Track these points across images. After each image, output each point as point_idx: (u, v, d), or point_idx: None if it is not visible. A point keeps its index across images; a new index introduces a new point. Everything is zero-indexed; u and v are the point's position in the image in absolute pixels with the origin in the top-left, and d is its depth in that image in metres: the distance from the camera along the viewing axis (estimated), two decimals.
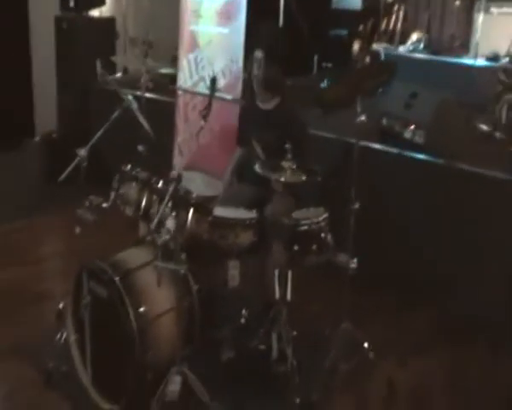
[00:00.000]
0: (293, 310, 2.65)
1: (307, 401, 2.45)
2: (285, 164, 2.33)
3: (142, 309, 2.21)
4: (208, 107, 2.39)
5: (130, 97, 2.59)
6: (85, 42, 5.35)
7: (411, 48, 5.80)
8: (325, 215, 2.62)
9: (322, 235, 2.60)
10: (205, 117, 2.34)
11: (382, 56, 5.54)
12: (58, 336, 2.63)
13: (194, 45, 4.16)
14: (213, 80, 2.62)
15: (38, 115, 6.12)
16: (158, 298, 2.28)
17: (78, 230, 2.51)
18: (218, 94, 2.73)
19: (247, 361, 2.65)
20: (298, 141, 2.63)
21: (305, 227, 2.58)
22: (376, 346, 2.72)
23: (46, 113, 6.00)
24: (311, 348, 2.72)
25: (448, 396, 2.64)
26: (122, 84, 4.05)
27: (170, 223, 2.13)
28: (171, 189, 2.07)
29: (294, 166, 2.34)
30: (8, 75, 6.03)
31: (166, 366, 2.29)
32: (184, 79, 4.29)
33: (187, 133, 4.34)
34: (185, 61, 4.25)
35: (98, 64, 5.12)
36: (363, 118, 2.37)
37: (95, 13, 5.62)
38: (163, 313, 2.27)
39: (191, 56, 4.18)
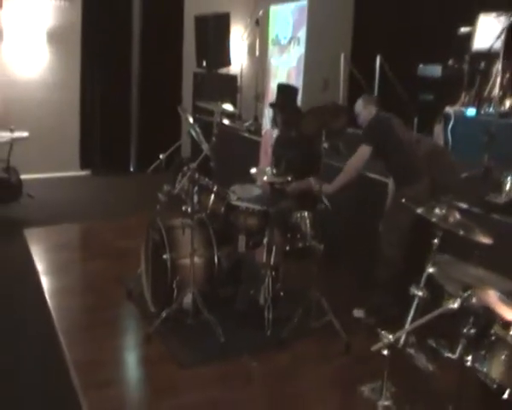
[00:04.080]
0: (279, 279, 3.95)
1: (276, 335, 3.66)
2: (269, 171, 3.71)
3: (173, 250, 3.73)
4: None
5: (194, 127, 4.13)
6: (213, 91, 7.16)
7: (482, 112, 6.43)
8: (307, 215, 3.89)
9: (304, 228, 3.88)
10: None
11: (452, 118, 6.33)
12: (138, 270, 4.26)
13: (272, 98, 5.68)
14: None
15: (183, 144, 8.08)
16: (186, 245, 3.74)
17: (158, 207, 4.13)
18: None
19: (245, 303, 3.97)
20: (313, 158, 3.98)
21: (295, 221, 3.90)
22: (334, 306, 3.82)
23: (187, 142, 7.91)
24: (292, 304, 3.81)
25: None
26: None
27: (195, 199, 3.64)
28: (187, 175, 3.58)
29: (274, 172, 3.71)
30: (167, 112, 8.14)
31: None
32: (266, 123, 5.84)
33: (266, 163, 5.84)
34: (267, 111, 5.80)
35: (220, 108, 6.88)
36: (326, 145, 3.63)
37: (223, 71, 7.46)
38: (189, 254, 3.70)
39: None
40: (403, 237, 3.88)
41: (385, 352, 1.75)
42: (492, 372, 1.91)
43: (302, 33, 5.04)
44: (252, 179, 4.50)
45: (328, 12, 6.32)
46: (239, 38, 7.88)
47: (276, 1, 6.25)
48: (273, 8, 5.61)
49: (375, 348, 1.76)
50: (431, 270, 2.17)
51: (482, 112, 6.20)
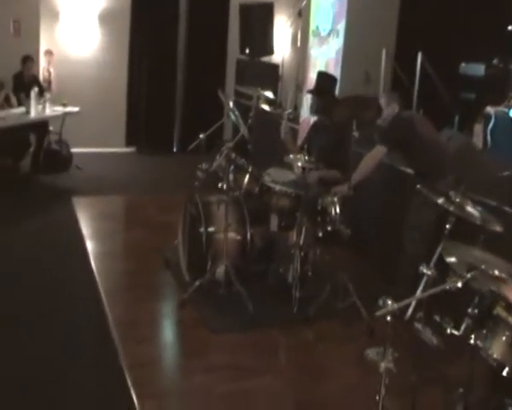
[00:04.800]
0: (309, 260, 4.17)
1: (303, 312, 3.88)
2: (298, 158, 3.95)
3: (209, 224, 4.00)
4: None
5: (233, 111, 4.38)
6: (255, 78, 7.35)
7: None
8: (337, 200, 4.09)
9: (334, 212, 4.10)
10: None
11: (492, 118, 6.31)
12: (175, 241, 4.55)
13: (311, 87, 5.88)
14: None
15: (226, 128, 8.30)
16: (221, 220, 4.00)
17: (196, 183, 4.42)
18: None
19: (275, 281, 4.23)
20: (343, 147, 4.19)
21: (325, 205, 4.11)
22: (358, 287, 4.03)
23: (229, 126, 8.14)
24: (319, 284, 4.03)
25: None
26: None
27: (230, 177, 3.91)
28: (223, 156, 3.84)
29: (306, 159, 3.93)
30: (210, 96, 8.38)
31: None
32: (304, 112, 6.05)
33: None
34: (305, 100, 6.01)
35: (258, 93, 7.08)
36: (356, 134, 3.83)
37: (265, 59, 7.68)
38: (223, 229, 3.97)
39: (308, 95, 5.91)
40: (426, 234, 3.96)
41: (388, 318, 1.97)
42: (493, 351, 2.10)
43: (341, 26, 5.21)
44: (287, 164, 4.73)
45: (370, 6, 6.43)
46: (282, 28, 8.07)
47: None
48: (315, 0, 5.79)
49: (379, 313, 1.98)
50: (441, 252, 2.36)
51: None
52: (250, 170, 4.14)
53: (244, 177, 4.14)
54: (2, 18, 7.32)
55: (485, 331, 2.11)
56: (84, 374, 3.28)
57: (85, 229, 5.23)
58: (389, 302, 1.93)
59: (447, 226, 2.50)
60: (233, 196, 4.10)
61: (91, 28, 7.99)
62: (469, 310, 2.16)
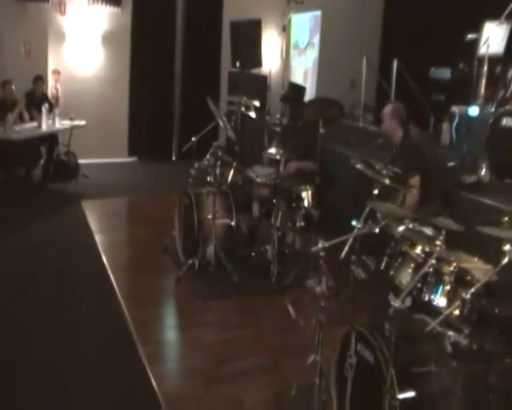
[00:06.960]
0: (286, 240, 4.87)
1: (280, 283, 4.59)
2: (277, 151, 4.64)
3: (200, 212, 4.70)
4: None
5: (222, 116, 5.07)
6: (245, 89, 8.08)
7: (486, 111, 6.99)
8: (309, 187, 4.80)
9: (306, 198, 4.81)
10: None
11: (457, 117, 6.98)
12: (172, 231, 5.23)
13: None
14: None
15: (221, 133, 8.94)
16: (210, 208, 4.69)
17: (190, 180, 5.12)
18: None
19: (258, 259, 4.92)
20: (310, 144, 4.89)
21: (298, 192, 4.82)
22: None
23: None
24: (294, 260, 4.78)
25: None
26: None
27: (217, 171, 4.60)
28: (210, 153, 4.54)
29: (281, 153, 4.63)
30: (205, 107, 9.12)
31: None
32: None
33: None
34: None
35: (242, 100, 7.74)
36: (322, 131, 4.53)
37: (255, 71, 8.41)
38: (213, 216, 4.67)
39: None
40: None
41: (321, 253, 2.64)
42: (402, 278, 2.79)
43: (316, 39, 5.93)
44: (271, 162, 5.43)
45: (344, 20, 7.14)
46: (270, 42, 8.81)
47: (300, 10, 7.16)
48: (294, 17, 6.53)
49: (314, 249, 2.65)
50: (368, 208, 3.03)
51: (485, 111, 6.84)
52: (234, 165, 4.84)
53: (229, 171, 4.84)
54: (14, 40, 8.08)
55: (397, 264, 2.80)
56: (93, 334, 3.87)
57: (94, 225, 5.94)
58: (321, 242, 2.61)
59: (375, 192, 3.17)
60: (220, 187, 4.79)
61: (95, 48, 8.75)
62: (387, 250, 2.84)
